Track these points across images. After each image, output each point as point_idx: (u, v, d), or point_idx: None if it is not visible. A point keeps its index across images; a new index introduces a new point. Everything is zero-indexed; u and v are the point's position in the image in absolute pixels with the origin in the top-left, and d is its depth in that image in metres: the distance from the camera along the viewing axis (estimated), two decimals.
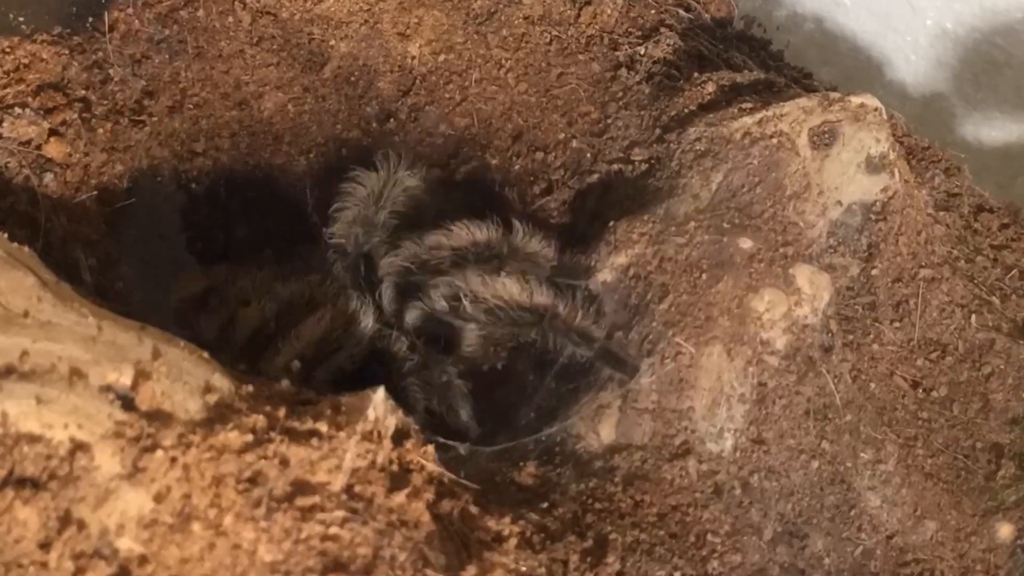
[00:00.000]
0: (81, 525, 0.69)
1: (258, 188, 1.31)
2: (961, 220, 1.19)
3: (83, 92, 1.18)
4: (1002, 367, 1.10)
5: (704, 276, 1.03)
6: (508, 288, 1.06)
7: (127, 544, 0.69)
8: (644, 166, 1.17)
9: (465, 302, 1.06)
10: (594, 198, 1.21)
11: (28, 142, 1.10)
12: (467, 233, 1.10)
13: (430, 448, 0.81)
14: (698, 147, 1.12)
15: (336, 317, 1.06)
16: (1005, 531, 1.04)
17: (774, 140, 1.09)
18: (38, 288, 0.79)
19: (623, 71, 1.25)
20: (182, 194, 1.29)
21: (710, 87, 1.18)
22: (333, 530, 0.72)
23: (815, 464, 1.00)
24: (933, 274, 1.11)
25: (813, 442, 1.00)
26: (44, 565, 0.68)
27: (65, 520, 0.69)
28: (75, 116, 1.15)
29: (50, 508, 0.69)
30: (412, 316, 1.12)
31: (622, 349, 1.03)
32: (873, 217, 1.09)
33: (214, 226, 1.32)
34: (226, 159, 1.29)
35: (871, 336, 1.07)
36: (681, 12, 1.32)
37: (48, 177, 1.10)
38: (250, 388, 0.80)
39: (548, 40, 1.28)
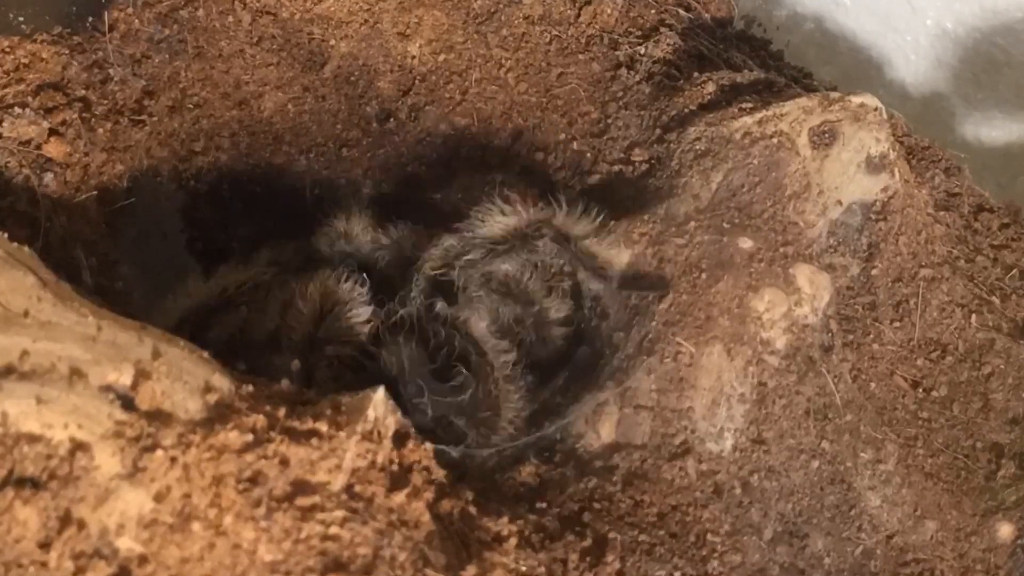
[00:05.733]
0: (81, 525, 0.69)
1: (258, 188, 1.31)
2: (961, 220, 1.19)
3: (83, 92, 1.18)
4: (1002, 367, 1.10)
5: (704, 276, 1.03)
6: (500, 220, 1.04)
7: (127, 544, 0.69)
8: (644, 166, 1.17)
9: (457, 266, 1.04)
10: (594, 198, 1.20)
11: (28, 142, 1.10)
12: (502, 220, 1.06)
13: (429, 447, 0.81)
14: (698, 147, 1.12)
15: (324, 300, 1.01)
16: (1005, 531, 1.04)
17: (774, 140, 1.09)
18: (38, 288, 0.79)
19: (623, 71, 1.25)
20: (182, 194, 1.29)
21: (710, 87, 1.18)
22: (333, 530, 0.72)
23: (815, 464, 1.00)
24: (933, 274, 1.11)
25: (813, 442, 1.00)
26: (44, 565, 0.68)
27: (65, 520, 0.69)
28: (75, 116, 1.15)
29: (50, 508, 0.69)
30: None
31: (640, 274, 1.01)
32: (873, 217, 1.09)
33: (214, 226, 1.32)
34: (226, 159, 1.29)
35: (871, 336, 1.07)
36: (681, 12, 1.32)
37: (48, 177, 1.10)
38: (250, 388, 0.80)
39: (548, 40, 1.28)
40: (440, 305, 1.05)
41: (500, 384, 1.01)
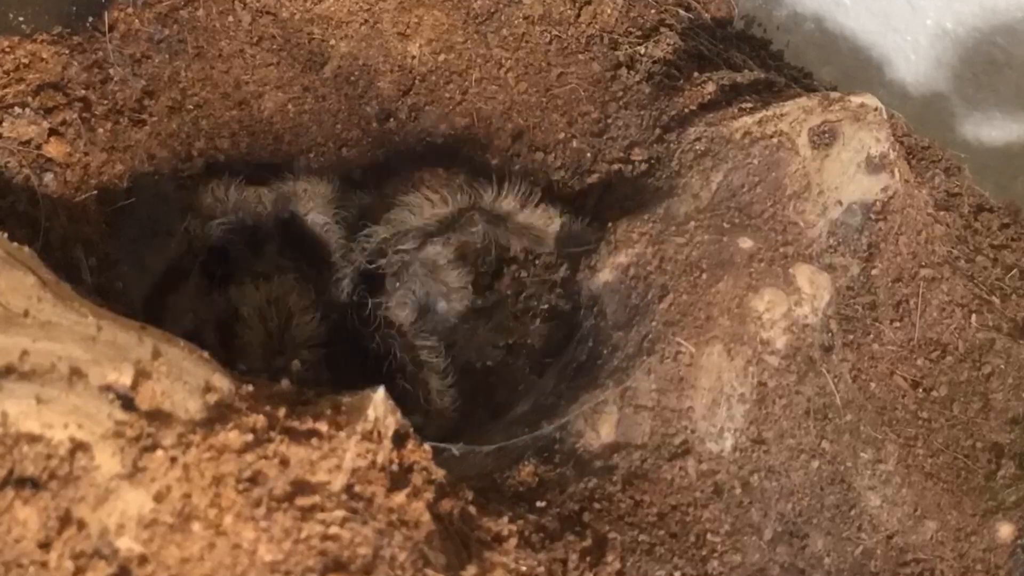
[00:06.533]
0: (81, 525, 0.69)
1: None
2: (961, 220, 1.19)
3: (83, 92, 1.18)
4: (1002, 367, 1.10)
5: (704, 276, 1.03)
6: (430, 211, 1.09)
7: (127, 544, 0.69)
8: (644, 166, 1.17)
9: (389, 251, 1.08)
10: (594, 198, 1.21)
11: (28, 142, 1.10)
12: (430, 206, 1.11)
13: (429, 448, 0.81)
14: (698, 147, 1.12)
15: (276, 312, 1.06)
16: (1005, 531, 1.04)
17: (774, 140, 1.09)
18: (38, 288, 0.79)
19: (623, 71, 1.25)
20: (182, 194, 1.29)
21: (710, 87, 1.18)
22: (333, 530, 0.72)
23: (815, 464, 1.00)
24: (933, 274, 1.11)
25: (813, 442, 1.00)
26: (44, 565, 0.68)
27: (65, 520, 0.69)
28: (75, 116, 1.15)
29: (50, 508, 0.69)
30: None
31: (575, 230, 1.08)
32: (873, 217, 1.09)
33: None
34: (226, 159, 1.29)
35: (871, 336, 1.07)
36: (681, 12, 1.32)
37: (48, 177, 1.10)
38: (250, 388, 0.80)
39: (548, 40, 1.28)
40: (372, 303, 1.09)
41: (425, 371, 1.08)
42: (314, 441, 0.75)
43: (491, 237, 1.15)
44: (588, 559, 0.87)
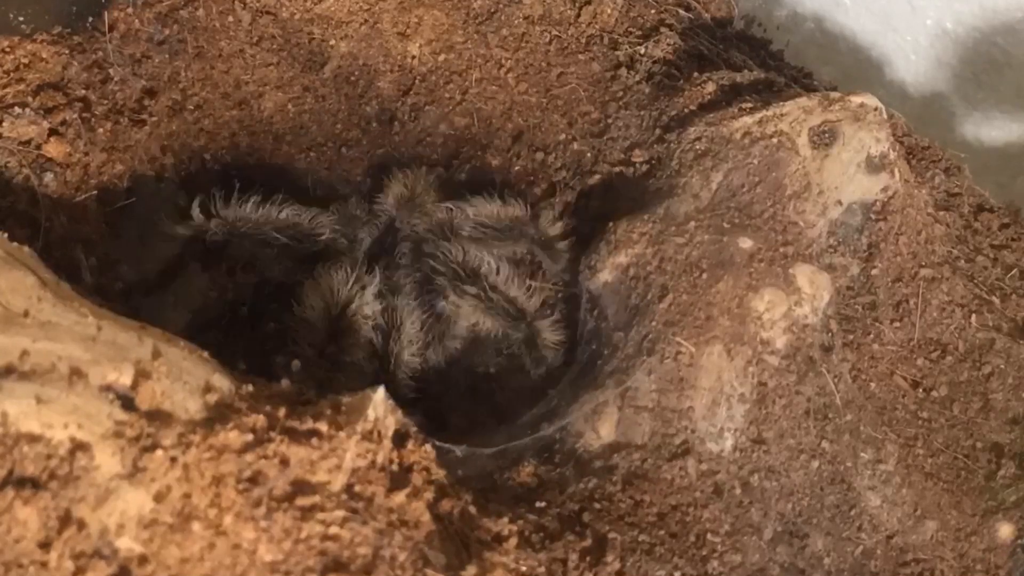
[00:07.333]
0: (81, 525, 0.69)
1: (258, 188, 1.31)
2: (961, 220, 1.19)
3: (83, 92, 1.18)
4: (1002, 367, 1.10)
5: (704, 276, 1.03)
6: (509, 278, 1.14)
7: (127, 544, 0.69)
8: (644, 166, 1.17)
9: (459, 276, 1.13)
10: (595, 199, 1.21)
11: (28, 142, 1.10)
12: (496, 208, 1.17)
13: (430, 448, 0.81)
14: (698, 147, 1.12)
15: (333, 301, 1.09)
16: (1005, 531, 1.04)
17: (774, 140, 1.09)
18: (38, 288, 0.79)
19: (623, 71, 1.25)
20: (182, 194, 1.29)
21: (710, 87, 1.18)
22: (333, 530, 0.72)
23: (815, 464, 1.00)
24: (933, 274, 1.11)
25: (813, 442, 1.00)
26: (44, 565, 0.68)
27: (65, 520, 0.69)
28: (75, 116, 1.15)
29: (50, 508, 0.69)
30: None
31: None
32: (873, 217, 1.09)
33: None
34: (226, 159, 1.29)
35: (871, 336, 1.07)
36: (681, 12, 1.32)
37: (48, 177, 1.10)
38: (250, 388, 0.80)
39: (548, 40, 1.28)
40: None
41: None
42: (314, 441, 0.75)
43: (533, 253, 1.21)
44: (588, 559, 0.87)
